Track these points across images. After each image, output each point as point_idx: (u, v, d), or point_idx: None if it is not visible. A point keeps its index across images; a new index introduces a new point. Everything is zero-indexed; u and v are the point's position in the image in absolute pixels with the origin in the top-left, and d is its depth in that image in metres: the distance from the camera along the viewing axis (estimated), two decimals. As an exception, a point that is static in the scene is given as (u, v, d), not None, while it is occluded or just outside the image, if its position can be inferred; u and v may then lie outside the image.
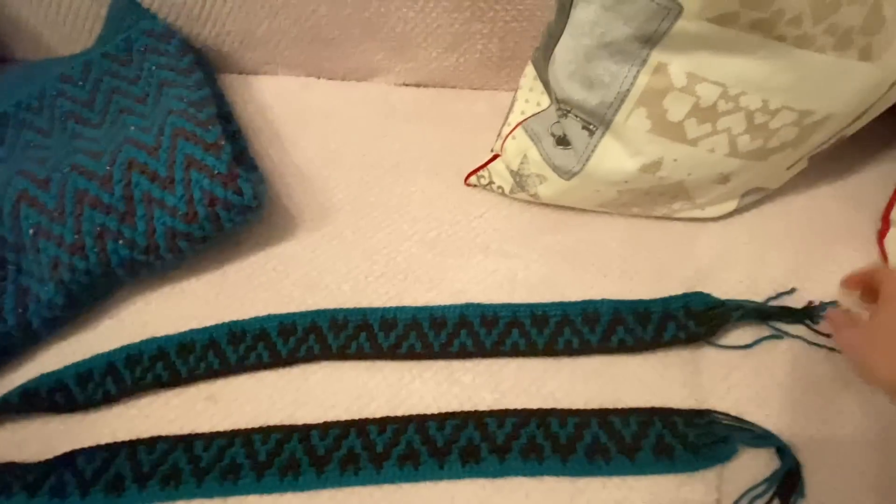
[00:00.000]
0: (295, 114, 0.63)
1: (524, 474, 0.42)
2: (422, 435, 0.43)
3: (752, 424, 0.43)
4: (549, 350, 0.47)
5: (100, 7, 0.61)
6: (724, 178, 0.49)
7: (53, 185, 0.48)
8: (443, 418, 0.44)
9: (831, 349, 0.47)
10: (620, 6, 0.40)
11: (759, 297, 0.49)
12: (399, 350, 0.47)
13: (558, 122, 0.50)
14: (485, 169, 0.56)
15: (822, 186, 0.57)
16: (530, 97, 0.55)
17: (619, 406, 0.44)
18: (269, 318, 0.48)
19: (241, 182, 0.47)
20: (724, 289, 0.50)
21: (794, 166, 0.51)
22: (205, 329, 0.47)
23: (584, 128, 0.48)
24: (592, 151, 0.48)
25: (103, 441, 0.43)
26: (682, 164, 0.47)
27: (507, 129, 0.55)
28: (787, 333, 0.48)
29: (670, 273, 0.51)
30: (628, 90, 0.43)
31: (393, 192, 0.57)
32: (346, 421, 0.44)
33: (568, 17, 0.45)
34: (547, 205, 0.55)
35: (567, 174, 0.50)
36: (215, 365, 0.46)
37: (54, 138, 0.53)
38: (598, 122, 0.46)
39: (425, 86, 0.66)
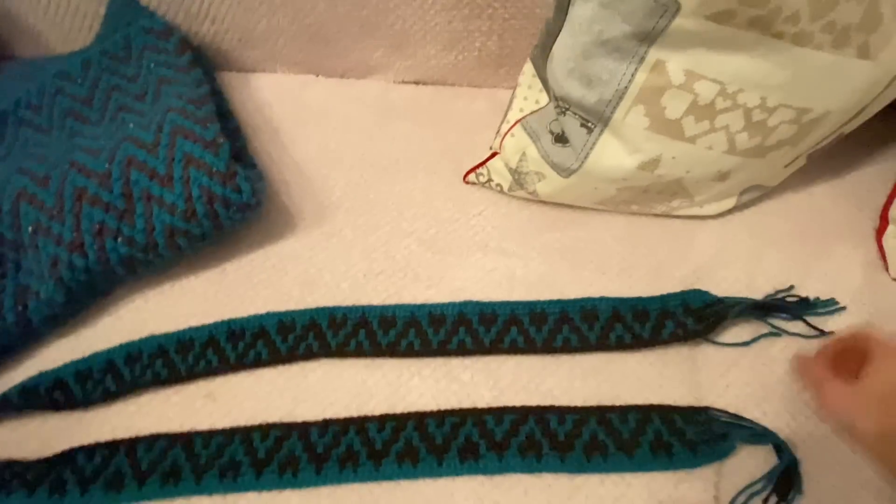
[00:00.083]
0: (294, 111, 0.63)
1: (522, 471, 0.42)
2: (420, 432, 0.43)
3: (750, 421, 0.43)
4: (548, 347, 0.47)
5: (99, 5, 0.60)
6: (723, 176, 0.49)
7: (53, 182, 0.48)
8: (441, 415, 0.44)
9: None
10: (618, 4, 0.40)
11: (757, 295, 0.49)
12: (398, 348, 0.47)
13: (557, 119, 0.50)
14: (483, 167, 0.56)
15: (820, 184, 0.57)
16: (529, 95, 0.55)
17: (618, 403, 0.45)
18: (269, 315, 0.48)
19: (239, 180, 0.47)
20: (723, 286, 0.50)
21: (792, 164, 0.51)
22: (204, 327, 0.48)
23: (582, 125, 0.48)
24: (591, 149, 0.48)
25: (103, 439, 0.43)
26: (681, 161, 0.47)
27: (505, 127, 0.55)
28: (784, 331, 0.48)
29: (669, 271, 0.51)
30: (626, 88, 0.43)
31: (392, 189, 0.57)
32: (345, 418, 0.44)
33: (566, 14, 0.45)
34: (545, 202, 0.55)
35: (565, 172, 0.50)
36: (214, 363, 0.46)
37: (53, 136, 0.54)
38: (596, 119, 0.46)
39: (424, 83, 0.66)
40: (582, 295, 0.49)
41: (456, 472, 0.42)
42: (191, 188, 0.47)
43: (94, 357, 0.46)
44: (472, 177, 0.57)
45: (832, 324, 0.48)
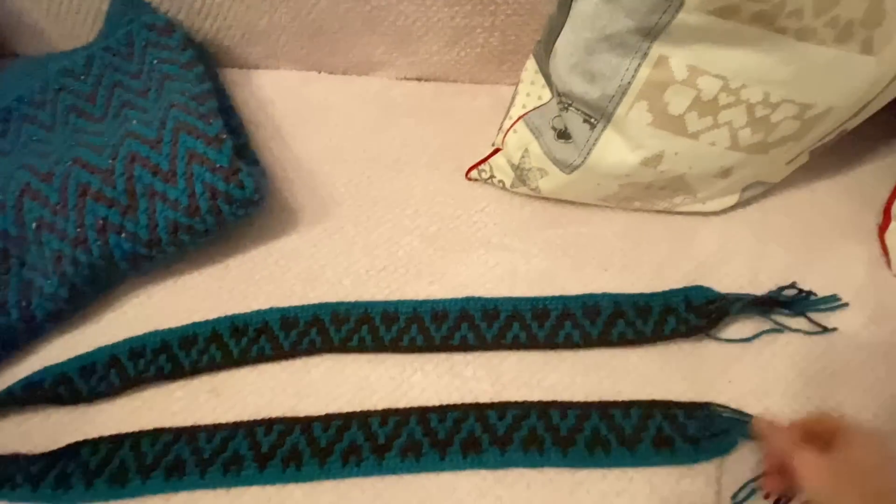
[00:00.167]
0: (296, 108, 0.63)
1: (525, 466, 0.42)
2: (423, 427, 0.43)
3: (752, 417, 0.43)
4: (550, 343, 0.47)
5: (101, 2, 0.60)
6: (725, 172, 0.49)
7: (56, 178, 0.48)
8: (444, 410, 0.44)
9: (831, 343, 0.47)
10: (622, -1, 0.40)
11: (759, 291, 0.49)
12: (400, 343, 0.47)
13: (559, 115, 0.50)
14: (486, 163, 0.56)
15: (823, 181, 0.57)
16: (531, 91, 0.55)
17: (620, 399, 0.45)
18: (272, 311, 0.48)
19: (242, 176, 0.48)
20: (725, 283, 0.50)
21: (795, 160, 0.51)
22: (207, 322, 0.48)
23: (585, 121, 0.48)
24: (594, 145, 0.48)
25: (107, 433, 0.44)
26: (683, 157, 0.47)
27: (508, 123, 0.55)
28: (786, 327, 0.48)
29: (671, 267, 0.52)
30: (629, 83, 0.43)
31: (394, 186, 0.57)
32: (348, 413, 0.44)
33: (569, 10, 0.45)
34: (548, 199, 0.55)
35: (568, 168, 0.50)
36: (218, 358, 0.46)
37: (56, 132, 0.54)
38: (599, 115, 0.46)
39: (426, 80, 0.66)
40: (584, 291, 0.49)
41: (458, 467, 0.42)
42: (194, 184, 0.47)
43: (98, 352, 0.46)
44: (474, 173, 0.57)
45: (834, 320, 0.48)
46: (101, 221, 0.46)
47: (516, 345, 0.47)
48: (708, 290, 0.49)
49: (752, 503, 0.40)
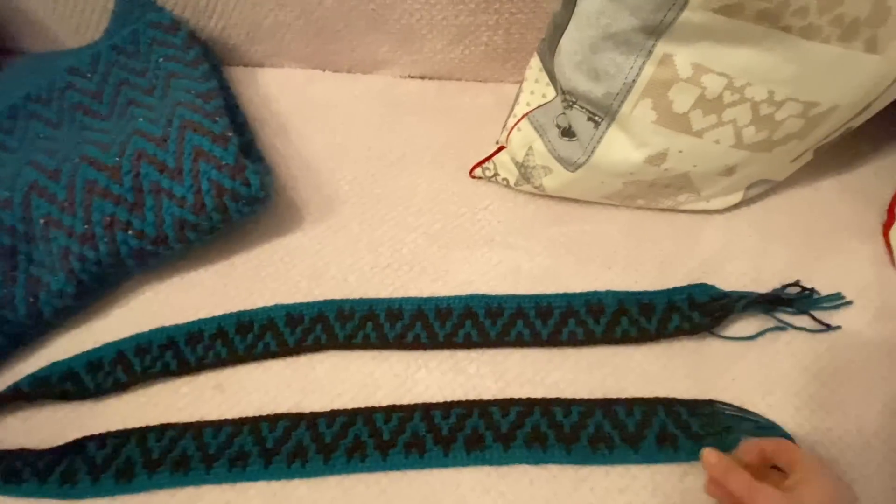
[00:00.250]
0: (300, 106, 0.63)
1: (528, 462, 0.42)
2: (427, 423, 0.43)
3: (755, 415, 0.44)
4: (554, 340, 0.47)
5: (107, 0, 0.61)
6: (730, 170, 0.49)
7: (63, 175, 0.48)
8: (448, 407, 0.44)
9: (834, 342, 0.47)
10: (626, -3, 0.40)
11: (763, 289, 0.49)
12: (405, 340, 0.47)
13: (564, 113, 0.50)
14: (490, 161, 0.56)
15: (827, 179, 0.57)
16: (536, 89, 0.55)
17: (623, 396, 0.45)
18: (277, 308, 0.49)
19: (248, 173, 0.48)
20: (729, 281, 0.50)
21: (799, 158, 0.51)
22: (213, 319, 0.48)
23: (589, 119, 0.48)
24: (598, 143, 0.48)
25: (113, 428, 0.44)
26: (688, 155, 0.47)
27: (512, 121, 0.55)
28: (790, 325, 0.48)
29: (675, 265, 0.52)
30: (634, 81, 0.43)
31: (398, 184, 0.57)
32: (352, 409, 0.44)
33: (574, 8, 0.45)
34: (552, 197, 0.55)
35: (572, 166, 0.50)
36: (223, 354, 0.47)
37: (63, 130, 0.54)
38: (603, 113, 0.47)
39: (430, 78, 0.66)
40: (588, 289, 0.50)
41: (462, 463, 0.42)
42: (200, 181, 0.47)
43: (105, 348, 0.47)
44: (478, 171, 0.57)
45: (838, 318, 0.48)
46: (108, 218, 0.47)
47: (520, 342, 0.47)
48: (711, 287, 0.49)
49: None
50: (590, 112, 0.48)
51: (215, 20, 0.62)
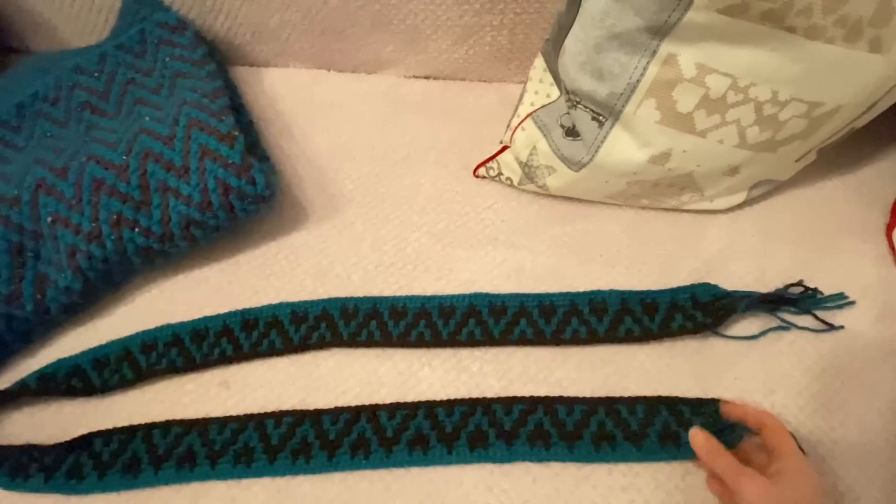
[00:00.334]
0: (305, 106, 0.63)
1: (531, 460, 0.43)
2: (431, 420, 0.44)
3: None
4: (557, 339, 0.47)
5: (114, 0, 0.61)
6: (733, 170, 0.49)
7: (71, 173, 0.49)
8: (451, 404, 0.44)
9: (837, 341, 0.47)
10: (631, -3, 0.40)
11: (766, 289, 0.50)
12: (409, 338, 0.47)
13: (568, 113, 0.50)
14: (494, 160, 0.56)
15: (830, 179, 0.57)
16: (540, 89, 0.55)
17: (626, 395, 0.45)
18: (282, 305, 0.49)
19: (254, 172, 0.48)
20: (732, 280, 0.50)
21: (802, 158, 0.51)
22: (218, 316, 0.48)
23: (593, 119, 0.48)
24: (602, 143, 0.48)
25: (119, 424, 0.44)
26: (691, 155, 0.47)
27: (516, 121, 0.55)
28: (793, 324, 0.48)
29: (678, 264, 0.52)
30: (638, 81, 0.43)
31: (402, 183, 0.57)
32: (356, 406, 0.45)
33: (578, 8, 0.45)
34: (555, 196, 0.56)
35: (576, 165, 0.50)
36: (229, 351, 0.47)
37: (70, 129, 0.54)
38: (607, 113, 0.47)
39: (435, 78, 0.66)
40: (591, 288, 0.50)
41: (465, 460, 0.43)
42: (206, 180, 0.47)
43: (111, 345, 0.47)
44: (482, 171, 0.57)
45: (841, 318, 0.49)
46: (115, 216, 0.47)
47: (523, 341, 0.47)
48: (715, 287, 0.49)
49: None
50: (594, 112, 0.48)
51: (221, 20, 0.62)
